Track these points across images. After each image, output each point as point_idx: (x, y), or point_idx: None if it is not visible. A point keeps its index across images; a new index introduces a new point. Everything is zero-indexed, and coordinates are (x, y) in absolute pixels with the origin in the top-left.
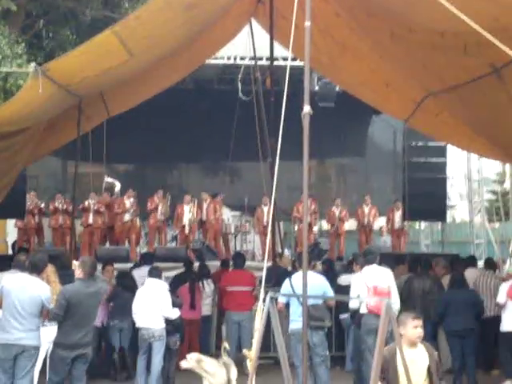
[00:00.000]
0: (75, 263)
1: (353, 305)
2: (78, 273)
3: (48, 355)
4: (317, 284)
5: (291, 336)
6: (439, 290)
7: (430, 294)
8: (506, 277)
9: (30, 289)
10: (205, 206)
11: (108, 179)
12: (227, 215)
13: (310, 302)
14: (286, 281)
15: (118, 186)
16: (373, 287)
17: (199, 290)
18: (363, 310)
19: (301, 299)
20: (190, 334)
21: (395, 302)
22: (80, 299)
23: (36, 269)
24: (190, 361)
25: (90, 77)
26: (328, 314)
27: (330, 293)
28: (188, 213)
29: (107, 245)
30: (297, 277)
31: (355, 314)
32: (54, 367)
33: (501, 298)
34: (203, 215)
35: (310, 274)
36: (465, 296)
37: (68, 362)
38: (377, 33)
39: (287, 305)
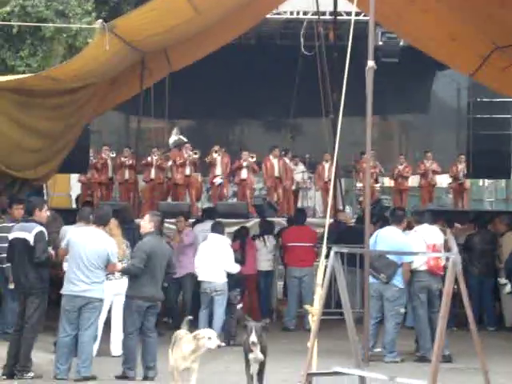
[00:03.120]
0: (146, 217)
1: (415, 264)
2: (149, 227)
3: (114, 309)
4: (398, 242)
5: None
6: (495, 248)
7: (490, 250)
8: None
9: (97, 242)
10: (276, 162)
11: (179, 136)
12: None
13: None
14: (374, 234)
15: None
16: (432, 245)
17: (252, 245)
18: (420, 268)
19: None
20: (247, 289)
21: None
22: (156, 253)
23: (101, 221)
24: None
25: (156, 34)
26: (391, 270)
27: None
28: (245, 168)
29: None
30: (383, 231)
31: None
32: (131, 317)
33: None
34: (276, 171)
35: (395, 230)
36: None
37: (143, 312)
38: None
39: None
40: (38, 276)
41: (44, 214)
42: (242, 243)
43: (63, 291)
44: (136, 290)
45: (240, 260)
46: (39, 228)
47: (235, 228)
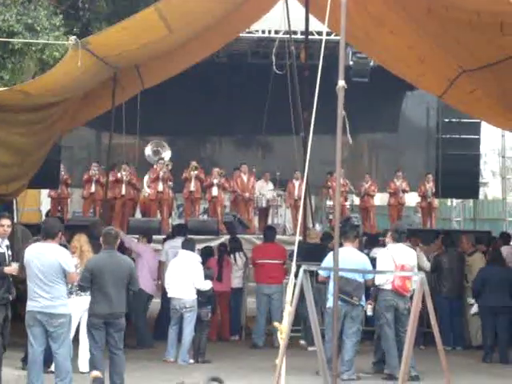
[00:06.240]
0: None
1: (379, 281)
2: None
3: (82, 324)
4: (358, 260)
5: (327, 310)
6: (463, 267)
7: (458, 270)
8: None
9: (47, 255)
10: (245, 178)
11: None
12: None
13: (348, 276)
14: (329, 255)
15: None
16: (400, 265)
17: (228, 262)
18: (385, 286)
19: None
20: (220, 306)
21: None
22: (103, 269)
23: (49, 235)
24: None
25: (129, 50)
26: (360, 291)
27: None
28: (216, 186)
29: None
30: (340, 252)
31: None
32: (89, 334)
33: None
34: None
35: (353, 250)
36: (501, 273)
37: (102, 328)
38: (413, 9)
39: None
40: None
41: None
42: (219, 260)
43: (26, 308)
44: (90, 306)
45: (211, 277)
46: None
47: (204, 245)
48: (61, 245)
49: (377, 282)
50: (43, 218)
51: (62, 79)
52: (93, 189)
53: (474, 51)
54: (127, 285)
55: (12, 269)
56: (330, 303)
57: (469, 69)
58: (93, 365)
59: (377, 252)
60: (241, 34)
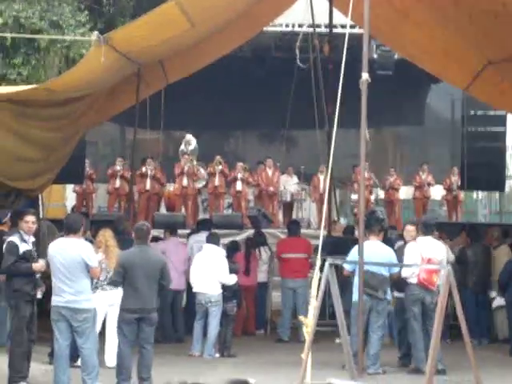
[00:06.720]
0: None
1: (406, 273)
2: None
3: (108, 319)
4: (384, 254)
5: (354, 305)
6: (488, 260)
7: (483, 264)
8: None
9: (70, 250)
10: (270, 172)
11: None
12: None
13: (374, 269)
14: (355, 248)
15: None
16: (427, 259)
17: (255, 256)
18: (412, 280)
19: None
20: (246, 300)
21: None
22: (134, 264)
23: (71, 230)
24: None
25: (151, 46)
26: (386, 285)
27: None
28: (240, 180)
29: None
30: (366, 246)
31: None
32: (119, 328)
33: None
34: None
35: (378, 244)
36: None
37: (133, 323)
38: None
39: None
40: (5, 286)
41: (22, 223)
42: (246, 254)
43: (51, 303)
44: (122, 301)
45: (237, 271)
46: (7, 238)
47: (229, 239)
48: (86, 240)
49: (403, 275)
50: (68, 213)
51: (85, 76)
52: (117, 184)
53: (500, 42)
54: (159, 280)
55: (39, 265)
56: (355, 297)
57: (495, 60)
58: (120, 359)
59: (399, 245)
60: (264, 28)
